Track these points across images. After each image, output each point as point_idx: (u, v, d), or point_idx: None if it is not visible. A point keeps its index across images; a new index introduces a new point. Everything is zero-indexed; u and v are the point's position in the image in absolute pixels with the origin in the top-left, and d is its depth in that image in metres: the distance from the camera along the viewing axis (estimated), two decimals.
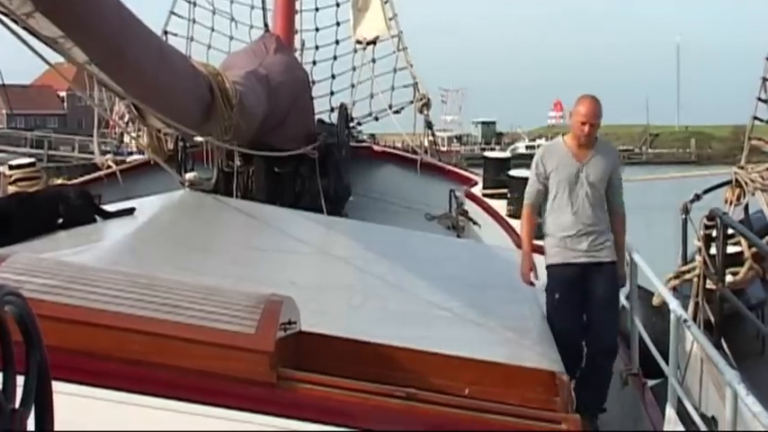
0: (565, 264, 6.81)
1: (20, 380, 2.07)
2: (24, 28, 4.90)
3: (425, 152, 14.29)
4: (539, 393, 4.78)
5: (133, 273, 4.56)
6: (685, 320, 5.95)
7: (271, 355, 3.74)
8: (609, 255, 6.78)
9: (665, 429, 5.80)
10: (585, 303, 6.77)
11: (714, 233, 7.96)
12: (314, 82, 13.87)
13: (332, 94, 14.68)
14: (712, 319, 7.67)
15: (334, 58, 15.06)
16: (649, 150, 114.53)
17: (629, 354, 7.46)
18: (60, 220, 7.68)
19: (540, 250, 7.13)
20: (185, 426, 3.52)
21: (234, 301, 4.16)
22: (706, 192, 9.74)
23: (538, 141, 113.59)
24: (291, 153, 10.44)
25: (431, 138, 15.08)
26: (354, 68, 14.91)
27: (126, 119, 9.96)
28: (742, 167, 10.23)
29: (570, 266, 6.79)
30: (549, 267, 6.95)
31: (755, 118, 11.09)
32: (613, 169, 6.92)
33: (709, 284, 7.92)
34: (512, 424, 3.83)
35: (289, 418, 3.58)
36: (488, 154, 15.15)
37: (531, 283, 6.91)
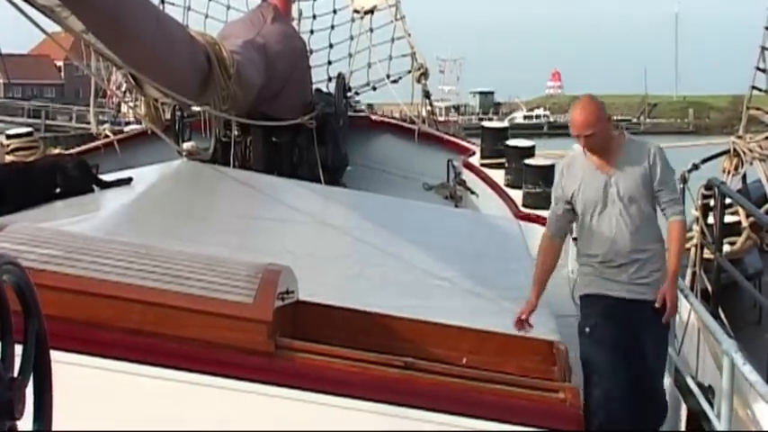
0: (601, 295, 5.33)
1: (19, 349, 2.07)
2: None
3: (423, 122, 14.26)
4: (536, 363, 4.80)
5: (132, 243, 4.56)
6: (683, 290, 5.95)
7: (269, 325, 3.75)
8: (655, 292, 5.22)
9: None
10: (629, 349, 5.20)
11: (712, 203, 7.96)
12: (311, 51, 13.81)
13: (329, 63, 14.62)
14: (710, 288, 7.67)
15: (332, 27, 14.98)
16: (648, 120, 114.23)
17: None
18: (57, 190, 7.68)
19: None
20: (184, 394, 3.53)
21: (232, 270, 4.17)
22: (704, 161, 9.73)
23: (536, 111, 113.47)
24: (289, 123, 10.41)
25: (428, 107, 15.04)
26: (352, 38, 14.85)
27: (123, 88, 9.92)
28: (740, 137, 10.23)
29: (608, 299, 5.30)
30: (582, 298, 5.48)
31: (754, 87, 11.07)
32: (652, 171, 5.30)
33: (707, 254, 7.92)
34: (509, 393, 3.85)
35: (287, 387, 3.59)
36: (486, 124, 15.14)
37: (524, 328, 5.22)
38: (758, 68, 10.97)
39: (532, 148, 11.73)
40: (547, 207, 10.90)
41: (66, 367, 2.94)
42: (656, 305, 5.14)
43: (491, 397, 3.81)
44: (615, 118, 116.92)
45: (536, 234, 7.06)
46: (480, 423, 3.67)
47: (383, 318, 4.79)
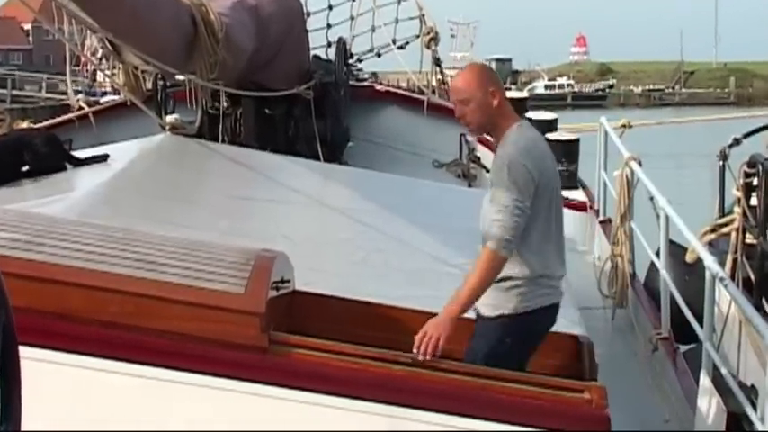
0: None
1: None
2: None
3: (433, 92, 14.24)
4: (559, 359, 4.80)
5: (108, 226, 4.57)
6: (722, 278, 5.94)
7: (262, 317, 3.75)
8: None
9: (698, 399, 5.82)
10: None
11: (755, 182, 7.94)
12: (309, 14, 13.78)
13: (329, 27, 14.58)
14: (752, 276, 7.67)
15: None
16: (683, 90, 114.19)
17: (658, 316, 7.48)
18: (25, 168, 7.68)
19: None
20: (165, 394, 3.54)
21: (220, 257, 4.17)
22: (746, 135, 9.70)
23: (558, 80, 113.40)
24: (284, 93, 10.40)
25: (439, 76, 15.01)
26: None
27: (99, 55, 9.91)
28: None
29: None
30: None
31: None
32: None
33: (749, 239, 7.91)
34: (528, 392, 3.85)
35: (282, 386, 3.59)
36: None
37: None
38: None
39: (554, 121, 11.74)
40: (570, 186, 10.93)
41: (34, 364, 2.94)
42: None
43: (507, 397, 3.81)
44: (647, 88, 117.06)
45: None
46: (495, 426, 3.67)
47: (388, 309, 4.80)
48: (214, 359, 3.62)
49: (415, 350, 4.15)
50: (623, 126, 11.16)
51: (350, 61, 13.58)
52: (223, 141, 10.00)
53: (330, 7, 14.81)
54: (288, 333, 3.99)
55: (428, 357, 4.10)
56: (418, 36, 14.48)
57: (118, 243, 4.09)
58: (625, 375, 6.86)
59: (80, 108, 12.95)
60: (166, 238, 4.40)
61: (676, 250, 8.07)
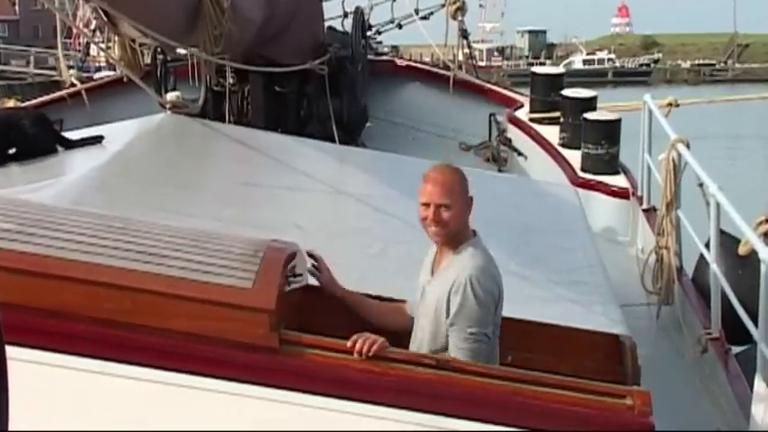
0: None
1: None
2: None
3: (459, 68, 14.23)
4: (598, 361, 4.80)
5: (104, 215, 4.58)
6: None
7: (271, 315, 3.76)
8: None
9: (752, 406, 5.81)
10: None
11: None
12: None
13: None
14: None
15: None
16: (736, 65, 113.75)
17: (708, 314, 7.47)
18: (12, 151, 7.70)
19: None
20: (166, 398, 3.55)
21: (226, 249, 4.18)
22: None
23: (598, 54, 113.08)
24: (295, 68, 10.41)
25: (466, 50, 15.01)
26: None
27: (93, 26, 9.94)
28: None
29: None
30: None
31: None
32: (449, 300, 4.49)
33: None
34: (565, 398, 3.85)
35: (293, 390, 3.60)
36: (537, 70, 15.07)
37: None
38: None
39: (594, 99, 11.71)
40: (611, 171, 10.92)
41: (23, 365, 2.96)
42: None
43: (542, 403, 3.81)
44: (696, 62, 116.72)
45: (597, 204, 7.06)
46: None
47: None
48: (219, 360, 3.63)
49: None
50: (670, 105, 11.11)
51: (368, 33, 13.58)
52: (229, 121, 10.02)
53: None
54: (300, 332, 4.00)
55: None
56: (443, 5, 14.48)
57: (114, 233, 4.10)
58: (671, 379, 6.86)
59: (72, 85, 12.98)
60: (167, 228, 4.41)
61: (728, 241, 8.03)
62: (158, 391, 3.55)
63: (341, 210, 7.42)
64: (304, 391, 3.59)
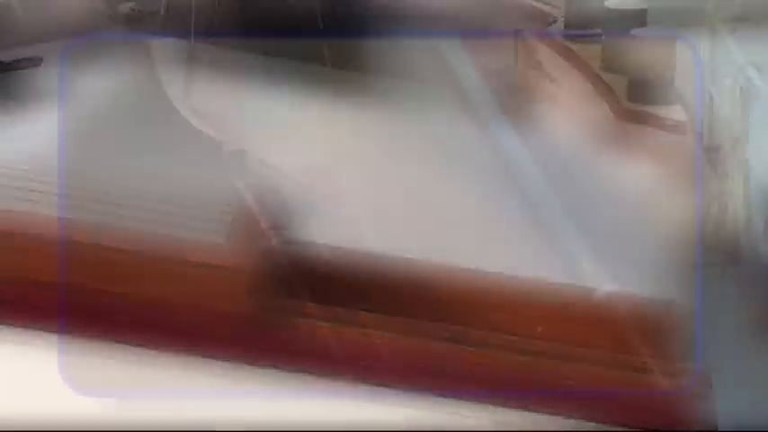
0: None
1: None
2: None
3: None
4: (647, 334, 4.85)
5: (49, 159, 4.62)
6: None
7: (250, 276, 3.79)
8: None
9: None
10: None
11: None
12: None
13: None
14: None
15: None
16: None
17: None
18: None
19: None
20: (134, 374, 3.62)
21: (196, 195, 4.21)
22: None
23: None
24: None
25: None
26: None
27: None
28: None
29: None
30: None
31: None
32: None
33: None
34: (602, 376, 3.90)
35: (281, 368, 3.65)
36: None
37: None
38: None
39: (643, 12, 11.69)
40: (665, 101, 10.94)
41: None
42: None
43: (576, 382, 3.87)
44: None
45: (647, 142, 7.07)
46: (560, 422, 3.74)
47: (421, 267, 4.85)
48: (191, 332, 3.67)
49: None
50: (737, 19, 11.11)
51: None
52: (196, 33, 10.00)
53: None
54: (287, 299, 4.03)
55: None
56: None
57: (68, 181, 4.14)
58: (735, 356, 6.93)
59: None
60: (127, 174, 4.44)
61: None
62: (102, 368, 3.60)
63: (338, 149, 7.45)
64: (293, 369, 3.63)
